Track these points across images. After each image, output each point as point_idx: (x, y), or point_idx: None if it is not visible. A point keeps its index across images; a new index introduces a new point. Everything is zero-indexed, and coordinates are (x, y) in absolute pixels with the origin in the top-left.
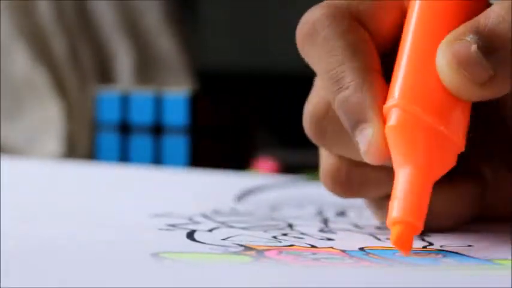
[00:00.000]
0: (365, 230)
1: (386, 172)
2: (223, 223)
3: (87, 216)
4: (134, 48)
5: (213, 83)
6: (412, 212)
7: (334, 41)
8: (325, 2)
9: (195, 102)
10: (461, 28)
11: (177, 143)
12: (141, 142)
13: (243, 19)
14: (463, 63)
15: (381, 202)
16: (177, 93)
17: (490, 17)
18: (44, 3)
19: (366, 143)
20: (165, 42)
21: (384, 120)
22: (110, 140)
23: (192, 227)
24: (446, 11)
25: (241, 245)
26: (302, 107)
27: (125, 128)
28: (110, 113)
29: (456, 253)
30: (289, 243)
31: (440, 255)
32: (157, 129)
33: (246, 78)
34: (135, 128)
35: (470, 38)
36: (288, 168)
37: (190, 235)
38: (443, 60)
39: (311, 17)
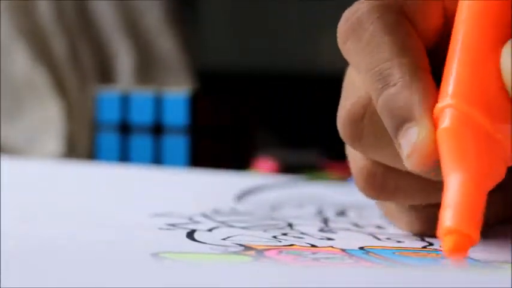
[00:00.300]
0: (365, 229)
1: (423, 180)
2: (223, 223)
3: (87, 216)
4: (134, 48)
5: (213, 83)
6: (467, 221)
7: (382, 36)
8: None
9: (195, 102)
10: None
11: (177, 143)
12: (141, 142)
13: (243, 19)
14: None
15: (410, 210)
16: (177, 93)
17: None
18: (43, 3)
19: (410, 145)
20: (165, 42)
21: (434, 122)
22: (110, 140)
23: (192, 226)
24: (501, 9)
25: (241, 245)
26: (302, 107)
27: (125, 128)
28: (110, 113)
29: None
30: (289, 243)
31: (440, 255)
32: (157, 129)
33: (246, 78)
34: (135, 128)
35: None
36: (288, 168)
37: (190, 235)
38: (508, 61)
39: (356, 12)
